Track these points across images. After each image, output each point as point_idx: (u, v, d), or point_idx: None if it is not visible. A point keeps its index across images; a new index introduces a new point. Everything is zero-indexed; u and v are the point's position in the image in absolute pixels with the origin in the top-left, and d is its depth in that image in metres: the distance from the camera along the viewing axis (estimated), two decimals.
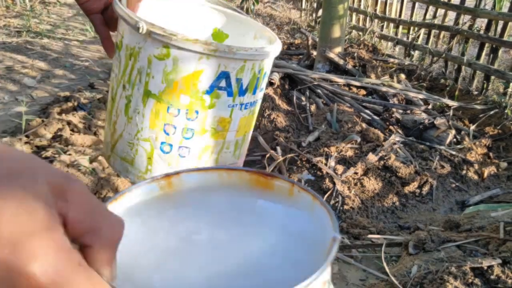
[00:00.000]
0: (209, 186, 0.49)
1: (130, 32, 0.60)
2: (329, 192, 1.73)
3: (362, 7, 4.18)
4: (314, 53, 3.14)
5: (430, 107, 2.56)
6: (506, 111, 2.45)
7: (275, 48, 0.64)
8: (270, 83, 2.56)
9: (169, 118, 0.61)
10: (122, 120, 0.64)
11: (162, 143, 0.62)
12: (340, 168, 1.84)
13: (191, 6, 0.77)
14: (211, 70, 0.59)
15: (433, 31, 3.37)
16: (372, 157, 1.89)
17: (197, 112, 0.61)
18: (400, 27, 3.74)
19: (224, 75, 0.60)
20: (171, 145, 0.62)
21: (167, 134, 0.62)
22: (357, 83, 2.70)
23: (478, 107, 2.58)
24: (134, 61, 0.61)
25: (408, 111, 2.44)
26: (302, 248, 0.40)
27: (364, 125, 2.19)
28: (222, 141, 0.65)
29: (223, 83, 0.60)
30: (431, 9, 3.42)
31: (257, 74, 0.64)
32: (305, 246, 0.41)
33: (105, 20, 0.70)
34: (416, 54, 3.54)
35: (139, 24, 0.56)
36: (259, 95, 0.67)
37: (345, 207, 1.68)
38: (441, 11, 3.36)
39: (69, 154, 1.83)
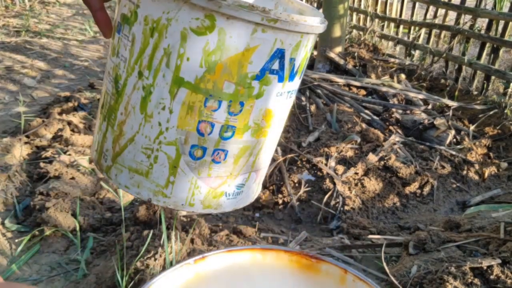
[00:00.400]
0: (242, 271, 0.43)
1: None
2: (329, 193, 1.73)
3: (362, 6, 4.18)
4: (315, 53, 3.14)
5: (430, 107, 2.56)
6: (506, 111, 2.45)
7: (325, 21, 0.53)
8: None
9: (207, 113, 0.48)
10: (136, 119, 0.50)
11: (193, 146, 0.50)
12: (340, 169, 1.84)
13: None
14: (266, 48, 0.47)
15: (434, 31, 3.37)
16: (372, 157, 1.89)
17: (241, 103, 0.49)
18: (401, 26, 3.74)
19: (279, 54, 0.48)
20: (204, 149, 0.50)
21: (201, 134, 0.49)
22: (357, 83, 2.70)
23: (478, 107, 2.57)
24: (158, 38, 0.47)
25: (408, 111, 2.44)
26: None
27: (364, 125, 2.19)
28: (264, 140, 0.53)
29: (276, 65, 0.49)
30: (432, 9, 3.41)
31: (308, 53, 0.53)
32: None
33: None
34: (416, 53, 3.54)
35: None
36: (301, 79, 0.56)
37: (346, 207, 1.68)
38: (441, 11, 3.35)
39: (69, 154, 1.83)
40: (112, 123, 0.53)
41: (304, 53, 0.52)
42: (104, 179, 1.73)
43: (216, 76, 0.47)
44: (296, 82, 0.54)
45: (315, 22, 0.49)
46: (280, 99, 0.52)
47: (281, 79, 0.50)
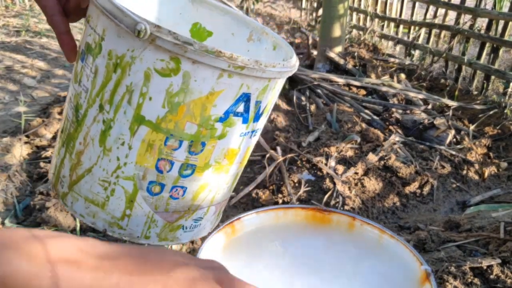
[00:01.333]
0: (271, 227, 0.49)
1: (118, 34, 0.44)
2: (329, 193, 1.73)
3: (362, 6, 4.18)
4: (315, 52, 3.14)
5: (430, 107, 2.56)
6: (506, 111, 2.45)
7: (297, 61, 0.53)
8: None
9: (167, 152, 0.47)
10: (94, 151, 0.49)
11: (150, 182, 0.49)
12: (340, 168, 1.84)
13: None
14: (231, 92, 0.46)
15: (433, 31, 3.37)
16: (372, 157, 1.89)
17: (203, 144, 0.48)
18: (401, 26, 3.74)
19: (245, 98, 0.48)
20: (162, 185, 0.49)
21: (160, 171, 0.48)
22: (357, 83, 2.70)
23: (478, 107, 2.57)
24: (121, 75, 0.45)
25: (408, 111, 2.44)
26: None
27: (364, 125, 2.19)
28: (225, 176, 0.53)
29: (240, 108, 0.48)
30: (432, 8, 3.41)
31: (275, 94, 0.53)
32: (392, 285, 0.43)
33: (62, 5, 0.51)
34: (416, 53, 3.54)
35: (140, 26, 0.41)
36: (266, 118, 0.56)
37: (346, 207, 1.68)
38: (441, 11, 3.35)
39: None
40: (70, 151, 0.51)
41: (271, 96, 0.52)
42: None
43: (178, 117, 0.46)
44: (262, 121, 0.54)
45: (284, 68, 0.48)
46: (244, 138, 0.52)
47: (245, 121, 0.50)
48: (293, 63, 0.51)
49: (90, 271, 0.23)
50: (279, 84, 0.52)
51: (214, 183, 0.52)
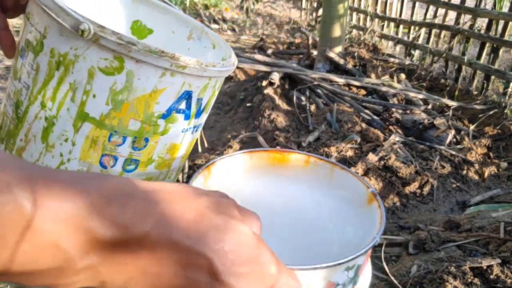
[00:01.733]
0: (241, 169, 0.56)
1: (61, 33, 0.44)
2: None
3: (362, 6, 4.18)
4: (314, 52, 3.14)
5: (429, 107, 2.56)
6: (506, 111, 2.45)
7: (236, 60, 0.55)
8: (270, 83, 2.56)
9: (110, 148, 0.48)
10: (36, 147, 0.49)
11: None
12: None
13: None
14: (173, 90, 0.48)
15: (433, 31, 3.37)
16: (372, 157, 1.89)
17: (146, 140, 0.50)
18: (401, 26, 3.74)
19: (187, 96, 0.50)
20: None
21: (104, 167, 0.49)
22: (357, 83, 2.70)
23: (478, 107, 2.58)
24: (64, 73, 0.45)
25: (408, 111, 2.44)
26: (348, 208, 0.50)
27: (364, 125, 2.19)
28: (167, 171, 0.55)
29: (183, 105, 0.50)
30: (432, 8, 3.41)
31: (215, 92, 0.55)
32: (349, 205, 0.51)
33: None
34: (416, 53, 3.54)
35: (84, 25, 0.42)
36: (207, 114, 0.59)
37: None
38: (441, 11, 3.35)
39: None
40: (10, 148, 0.51)
41: (211, 93, 0.54)
42: None
43: (122, 114, 0.47)
44: (203, 117, 0.56)
45: (223, 67, 0.50)
46: (186, 133, 0.54)
47: (187, 117, 0.52)
48: (232, 62, 0.53)
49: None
50: (219, 82, 0.54)
51: (157, 177, 0.54)
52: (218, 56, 0.59)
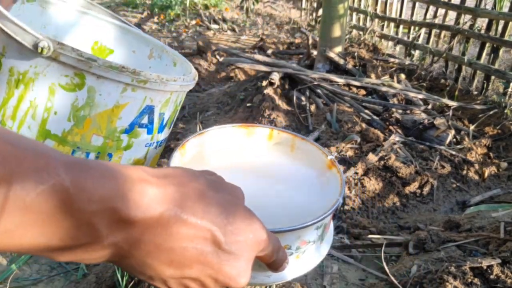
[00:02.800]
0: (213, 143, 0.60)
1: (20, 51, 0.44)
2: None
3: (362, 6, 4.18)
4: (314, 52, 3.14)
5: (430, 107, 2.56)
6: (506, 111, 2.45)
7: (196, 75, 0.57)
8: (270, 83, 2.56)
9: None
10: None
11: None
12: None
13: (66, 13, 0.63)
14: (135, 105, 0.49)
15: (433, 31, 3.37)
16: (372, 157, 1.89)
17: (110, 155, 0.50)
18: (401, 26, 3.74)
19: (149, 110, 0.50)
20: None
21: None
22: (357, 83, 2.70)
23: (478, 107, 2.57)
24: (24, 90, 0.45)
25: (408, 111, 2.44)
26: (307, 172, 0.55)
27: (364, 125, 2.19)
28: None
29: (145, 120, 0.51)
30: (432, 8, 3.41)
31: (177, 107, 0.56)
32: (309, 169, 0.56)
33: None
34: (416, 53, 3.54)
35: (43, 43, 0.42)
36: (170, 129, 0.60)
37: (346, 207, 1.68)
38: (441, 11, 3.35)
39: None
40: None
41: (173, 107, 0.55)
42: None
43: (84, 130, 0.47)
44: (166, 132, 0.57)
45: (184, 82, 0.52)
46: (149, 148, 0.54)
47: (150, 132, 0.52)
48: (192, 77, 0.55)
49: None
50: (181, 96, 0.56)
51: None
52: (179, 73, 0.60)
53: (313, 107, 2.45)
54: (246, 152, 0.62)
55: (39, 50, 0.42)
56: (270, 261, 0.39)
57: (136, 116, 0.50)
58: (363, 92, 2.73)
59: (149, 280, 0.33)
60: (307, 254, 0.49)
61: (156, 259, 0.31)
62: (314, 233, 0.48)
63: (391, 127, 2.28)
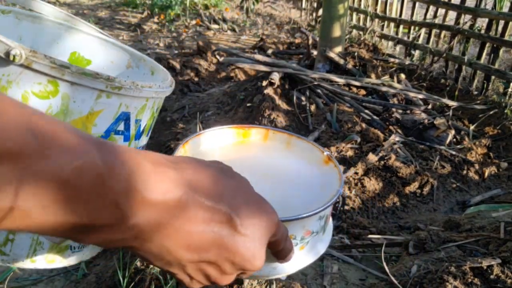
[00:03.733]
0: (212, 144, 0.61)
1: None
2: None
3: (362, 6, 4.18)
4: (315, 52, 3.14)
5: (430, 107, 2.56)
6: (506, 111, 2.45)
7: (173, 82, 0.57)
8: (270, 83, 2.56)
9: None
10: None
11: None
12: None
13: (43, 25, 0.62)
14: (111, 111, 0.49)
15: (434, 31, 3.37)
16: (372, 157, 1.89)
17: None
18: (401, 26, 3.74)
19: (124, 117, 0.50)
20: None
21: None
22: (357, 83, 2.70)
23: (478, 107, 2.57)
24: None
25: (408, 111, 2.44)
26: (306, 167, 0.57)
27: (364, 125, 2.19)
28: None
29: (121, 126, 0.51)
30: (432, 8, 3.41)
31: (154, 114, 0.56)
32: (308, 165, 0.57)
33: None
34: (416, 53, 3.54)
35: (15, 51, 0.41)
36: (148, 137, 0.60)
37: (346, 207, 1.68)
38: (441, 11, 3.35)
39: None
40: None
41: (150, 114, 0.55)
42: None
43: None
44: (144, 140, 0.57)
45: (160, 88, 0.52)
46: None
47: (127, 139, 0.52)
48: (169, 84, 0.55)
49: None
50: (157, 103, 0.55)
51: None
52: (157, 81, 0.61)
53: (313, 107, 2.45)
54: (243, 151, 0.63)
55: (11, 58, 0.41)
56: (279, 249, 0.40)
57: (111, 122, 0.49)
58: (363, 92, 2.73)
59: (167, 267, 0.34)
60: (310, 245, 0.50)
61: (174, 243, 0.32)
62: (318, 223, 0.49)
63: (391, 127, 2.28)
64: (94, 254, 0.60)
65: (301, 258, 0.50)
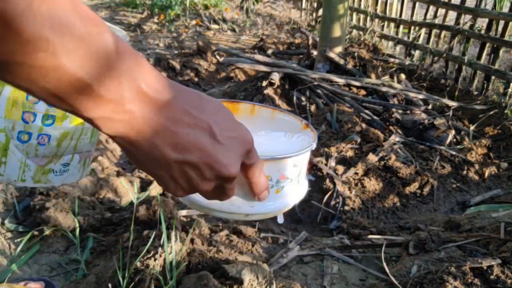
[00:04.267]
0: None
1: None
2: (329, 193, 1.73)
3: (362, 6, 4.18)
4: (315, 52, 3.14)
5: (430, 107, 2.56)
6: (506, 111, 2.45)
7: (126, 38, 0.65)
8: (270, 83, 2.56)
9: (29, 106, 0.59)
10: None
11: (19, 132, 0.60)
12: (341, 169, 1.83)
13: None
14: None
15: (434, 31, 3.37)
16: (372, 158, 1.89)
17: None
18: (401, 26, 3.74)
19: None
20: (30, 134, 0.60)
21: (26, 122, 0.59)
22: (357, 83, 2.70)
23: (478, 107, 2.57)
24: None
25: (408, 111, 2.44)
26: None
27: (364, 125, 2.19)
28: (82, 127, 0.64)
29: None
30: (432, 9, 3.41)
31: None
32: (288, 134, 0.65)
33: None
34: (416, 53, 3.53)
35: None
36: None
37: (346, 207, 1.68)
38: (441, 11, 3.35)
39: None
40: None
41: None
42: (104, 178, 1.72)
43: None
44: None
45: None
46: None
47: None
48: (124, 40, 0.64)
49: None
50: None
51: (73, 132, 0.63)
52: None
53: (313, 107, 2.45)
54: None
55: None
56: (254, 178, 0.46)
57: None
58: (363, 92, 2.73)
59: (155, 169, 0.39)
60: (286, 191, 0.57)
61: (163, 141, 0.37)
62: (293, 170, 0.55)
63: (391, 127, 2.28)
64: (74, 180, 0.69)
65: (277, 201, 0.56)
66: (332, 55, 2.94)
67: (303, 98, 2.55)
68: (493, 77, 2.77)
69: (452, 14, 3.28)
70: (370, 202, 1.75)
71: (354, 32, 4.15)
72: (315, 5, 5.05)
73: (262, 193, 0.49)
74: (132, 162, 0.40)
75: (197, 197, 0.51)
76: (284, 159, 0.52)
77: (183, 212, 1.51)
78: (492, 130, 2.37)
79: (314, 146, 0.59)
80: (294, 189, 0.58)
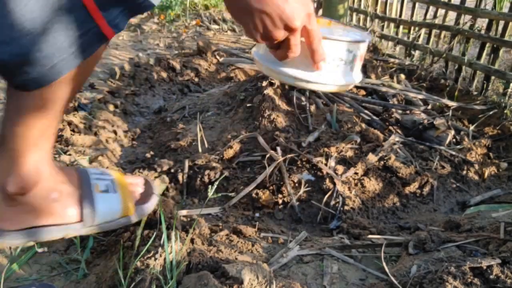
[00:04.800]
0: None
1: None
2: (329, 193, 1.73)
3: (362, 7, 4.18)
4: None
5: (429, 107, 2.56)
6: (505, 111, 2.45)
7: None
8: (270, 84, 2.56)
9: None
10: None
11: None
12: (340, 169, 1.84)
13: None
14: None
15: (433, 31, 3.37)
16: (372, 158, 1.89)
17: None
18: (401, 27, 3.74)
19: None
20: None
21: None
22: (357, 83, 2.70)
23: (478, 107, 2.58)
24: None
25: (408, 112, 2.44)
26: None
27: (364, 125, 2.19)
28: None
29: None
30: (432, 9, 3.42)
31: None
32: None
33: None
34: (416, 54, 3.54)
35: None
36: None
37: (346, 207, 1.68)
38: (441, 11, 3.36)
39: (69, 154, 1.83)
40: None
41: None
42: None
43: None
44: None
45: None
46: None
47: None
48: None
49: None
50: None
51: None
52: None
53: (313, 107, 2.45)
54: None
55: None
56: (314, 45, 0.62)
57: None
58: (363, 92, 2.73)
59: (242, 17, 0.57)
60: (340, 71, 0.69)
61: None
62: (346, 53, 0.67)
63: (391, 127, 2.28)
64: None
65: (330, 76, 0.68)
66: None
67: (303, 98, 2.55)
68: (493, 77, 2.77)
69: (452, 14, 3.28)
70: (370, 202, 1.76)
71: None
72: (315, 5, 5.05)
73: (319, 62, 0.64)
74: (229, 12, 0.58)
75: (279, 67, 0.66)
76: (341, 42, 0.66)
77: (183, 212, 1.51)
78: (491, 130, 2.38)
79: (367, 41, 0.73)
80: (348, 74, 0.71)
